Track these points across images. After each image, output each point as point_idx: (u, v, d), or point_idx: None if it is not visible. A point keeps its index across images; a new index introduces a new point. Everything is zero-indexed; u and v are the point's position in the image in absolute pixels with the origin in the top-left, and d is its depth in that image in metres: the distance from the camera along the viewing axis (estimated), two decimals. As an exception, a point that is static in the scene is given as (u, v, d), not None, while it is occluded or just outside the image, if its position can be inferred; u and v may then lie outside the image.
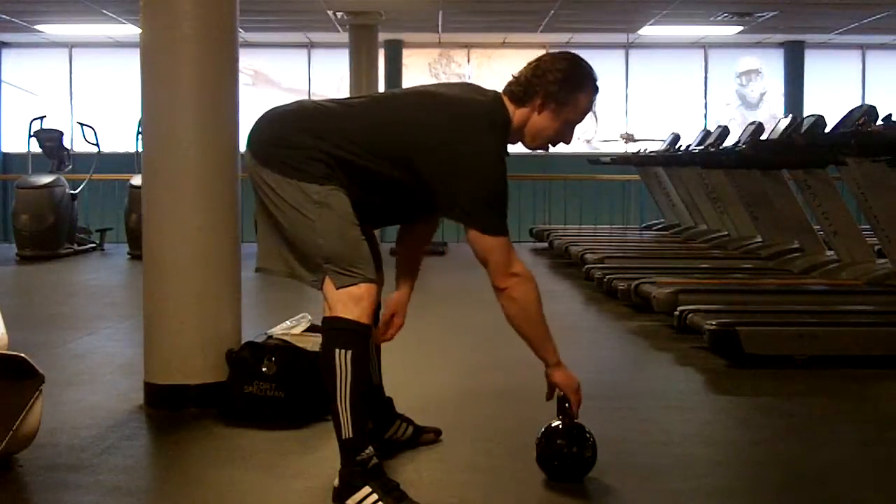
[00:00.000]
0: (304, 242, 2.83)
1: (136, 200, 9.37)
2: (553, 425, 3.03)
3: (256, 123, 2.97)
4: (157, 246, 3.98)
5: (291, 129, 2.87)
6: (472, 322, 6.23)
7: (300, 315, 4.13)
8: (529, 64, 3.01)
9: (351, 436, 2.72)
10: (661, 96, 16.01)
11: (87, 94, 15.89)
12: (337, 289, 2.78)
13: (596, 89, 2.98)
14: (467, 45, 15.69)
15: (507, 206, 2.90)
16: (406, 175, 2.83)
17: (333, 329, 2.79)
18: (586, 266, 8.01)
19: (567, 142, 3.04)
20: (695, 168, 9.52)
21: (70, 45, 15.70)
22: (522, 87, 2.96)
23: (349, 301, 2.77)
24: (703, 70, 16.23)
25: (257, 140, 2.92)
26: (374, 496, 2.68)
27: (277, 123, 2.93)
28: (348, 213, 2.81)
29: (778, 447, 3.50)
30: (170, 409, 3.89)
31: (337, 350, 2.75)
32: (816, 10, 12.75)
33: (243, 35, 12.77)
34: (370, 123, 2.88)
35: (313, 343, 3.85)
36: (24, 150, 11.43)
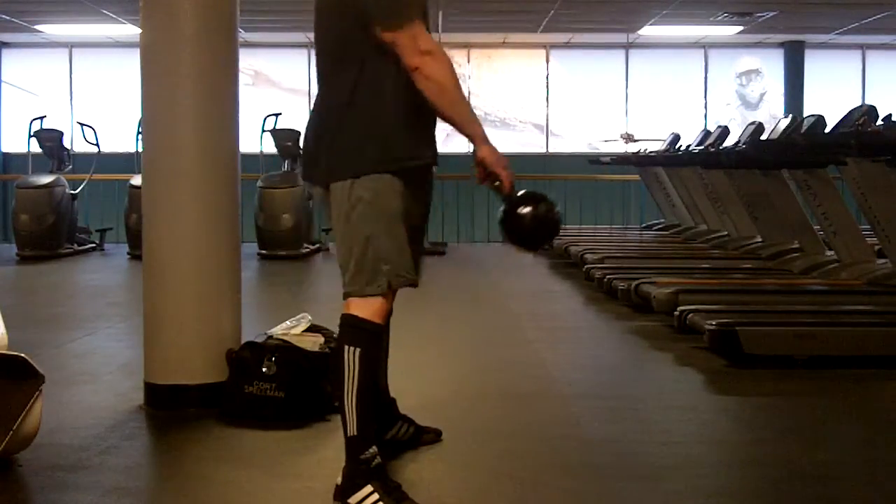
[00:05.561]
0: (357, 245, 2.79)
1: (136, 200, 9.36)
2: (501, 207, 2.91)
3: (302, 147, 2.99)
4: (157, 246, 3.98)
5: (323, 132, 2.86)
6: (472, 322, 6.24)
7: (300, 315, 4.13)
8: None
9: (355, 433, 2.73)
10: (661, 96, 16.01)
11: (87, 94, 15.89)
12: (392, 288, 2.78)
13: None
14: (467, 45, 15.69)
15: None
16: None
17: (345, 326, 2.81)
18: (586, 266, 8.01)
19: None
20: (695, 168, 9.52)
21: (70, 45, 15.70)
22: None
23: (366, 299, 2.78)
24: (703, 70, 16.23)
25: (305, 163, 2.96)
26: (376, 496, 2.68)
27: (311, 139, 2.92)
28: (396, 210, 2.78)
29: (778, 447, 3.51)
30: (170, 409, 3.88)
31: (347, 347, 2.76)
32: (816, 10, 12.75)
33: (243, 35, 12.76)
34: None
35: (313, 343, 3.86)
36: (24, 150, 11.42)
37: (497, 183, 2.85)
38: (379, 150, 2.78)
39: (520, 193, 2.90)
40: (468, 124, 2.82)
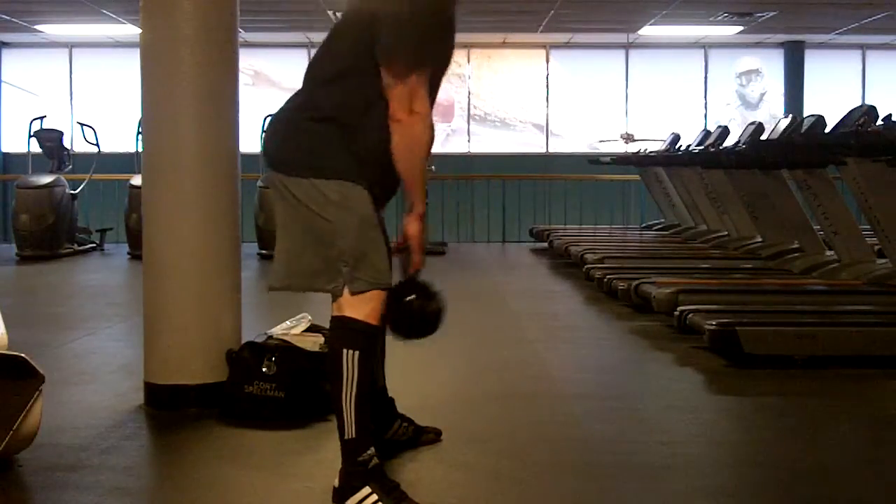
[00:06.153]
0: (322, 245, 2.80)
1: (136, 200, 9.38)
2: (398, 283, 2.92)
3: (266, 131, 2.97)
4: (157, 246, 3.98)
5: (298, 122, 2.87)
6: (472, 322, 6.23)
7: (300, 315, 4.14)
8: None
9: (354, 436, 2.72)
10: (661, 96, 16.01)
11: (87, 94, 15.89)
12: (352, 294, 2.78)
13: None
14: (467, 45, 15.68)
15: (432, 51, 2.82)
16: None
17: (342, 329, 2.80)
18: (586, 266, 8.01)
19: None
20: (695, 168, 9.52)
21: (70, 45, 15.70)
22: None
23: (358, 301, 2.77)
24: (703, 70, 16.23)
25: (269, 146, 2.95)
26: (374, 497, 2.68)
27: (282, 124, 2.93)
28: (368, 214, 2.79)
29: (778, 447, 3.51)
30: (170, 409, 3.89)
31: (345, 350, 2.75)
32: (816, 10, 12.76)
33: (243, 35, 12.77)
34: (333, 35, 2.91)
35: (313, 343, 3.86)
36: (24, 150, 11.43)
37: (406, 264, 2.89)
38: (355, 166, 2.78)
39: (410, 280, 2.90)
40: (417, 193, 2.85)
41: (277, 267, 2.91)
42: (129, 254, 10.41)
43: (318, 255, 2.81)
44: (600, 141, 15.47)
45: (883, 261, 6.67)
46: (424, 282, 2.91)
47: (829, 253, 7.33)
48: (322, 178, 2.78)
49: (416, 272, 2.88)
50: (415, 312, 2.89)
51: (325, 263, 2.80)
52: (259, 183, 10.30)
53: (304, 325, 4.05)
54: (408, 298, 2.87)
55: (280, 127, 2.93)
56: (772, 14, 12.72)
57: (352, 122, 2.79)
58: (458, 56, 15.81)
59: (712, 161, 8.66)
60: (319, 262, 2.81)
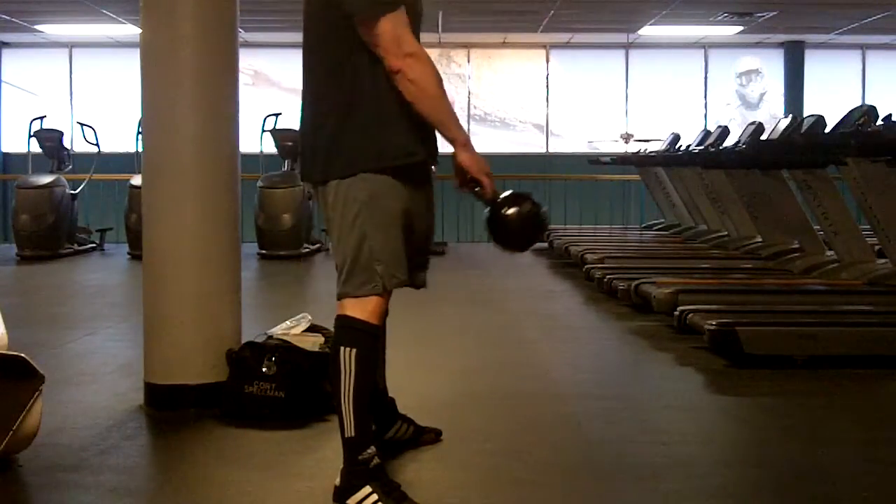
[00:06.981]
0: (354, 247, 2.78)
1: (136, 200, 9.37)
2: (486, 210, 2.90)
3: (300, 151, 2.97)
4: (157, 246, 3.98)
5: (308, 127, 2.88)
6: (471, 322, 6.24)
7: (300, 315, 4.14)
8: None
9: (353, 435, 2.73)
10: (661, 96, 16.01)
11: (87, 94, 15.89)
12: (389, 290, 2.78)
13: None
14: (467, 46, 15.68)
15: None
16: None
17: (341, 327, 2.81)
18: (586, 266, 8.01)
19: None
20: (695, 168, 9.52)
21: (70, 45, 15.71)
22: None
23: (362, 301, 2.78)
24: (703, 70, 16.24)
25: (303, 163, 2.94)
26: (375, 496, 2.68)
27: (301, 133, 2.94)
28: (395, 209, 2.77)
29: (778, 447, 3.51)
30: (170, 409, 3.88)
31: (343, 348, 2.76)
32: (816, 10, 12.76)
33: (243, 35, 12.77)
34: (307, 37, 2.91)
35: (313, 343, 3.86)
36: (24, 150, 11.42)
37: (477, 189, 2.85)
38: (376, 150, 2.77)
39: (503, 195, 2.89)
40: (450, 128, 2.79)
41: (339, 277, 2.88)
42: (129, 254, 10.40)
43: (353, 257, 2.79)
44: (608, 140, 15.46)
45: (883, 261, 6.67)
46: (513, 192, 2.90)
47: (829, 253, 7.33)
48: (347, 178, 2.77)
49: (493, 193, 2.85)
50: (524, 217, 2.89)
51: (360, 264, 2.78)
52: (259, 183, 10.30)
53: (304, 325, 4.05)
54: (509, 211, 2.87)
55: (307, 138, 2.92)
56: (772, 14, 12.73)
57: (365, 105, 2.76)
58: (458, 56, 15.83)
59: (712, 161, 8.66)
60: (353, 264, 2.79)
